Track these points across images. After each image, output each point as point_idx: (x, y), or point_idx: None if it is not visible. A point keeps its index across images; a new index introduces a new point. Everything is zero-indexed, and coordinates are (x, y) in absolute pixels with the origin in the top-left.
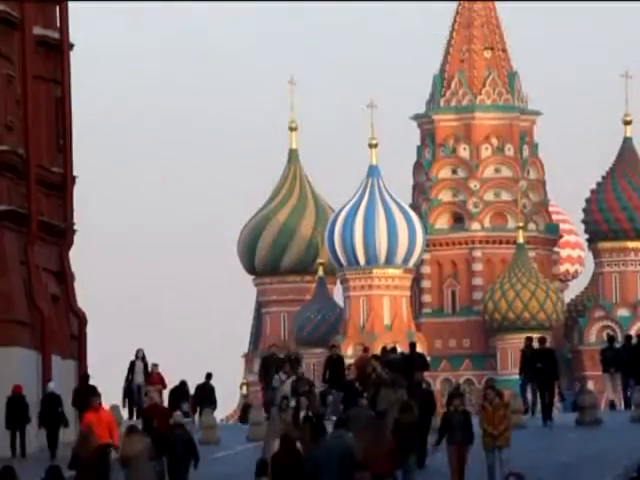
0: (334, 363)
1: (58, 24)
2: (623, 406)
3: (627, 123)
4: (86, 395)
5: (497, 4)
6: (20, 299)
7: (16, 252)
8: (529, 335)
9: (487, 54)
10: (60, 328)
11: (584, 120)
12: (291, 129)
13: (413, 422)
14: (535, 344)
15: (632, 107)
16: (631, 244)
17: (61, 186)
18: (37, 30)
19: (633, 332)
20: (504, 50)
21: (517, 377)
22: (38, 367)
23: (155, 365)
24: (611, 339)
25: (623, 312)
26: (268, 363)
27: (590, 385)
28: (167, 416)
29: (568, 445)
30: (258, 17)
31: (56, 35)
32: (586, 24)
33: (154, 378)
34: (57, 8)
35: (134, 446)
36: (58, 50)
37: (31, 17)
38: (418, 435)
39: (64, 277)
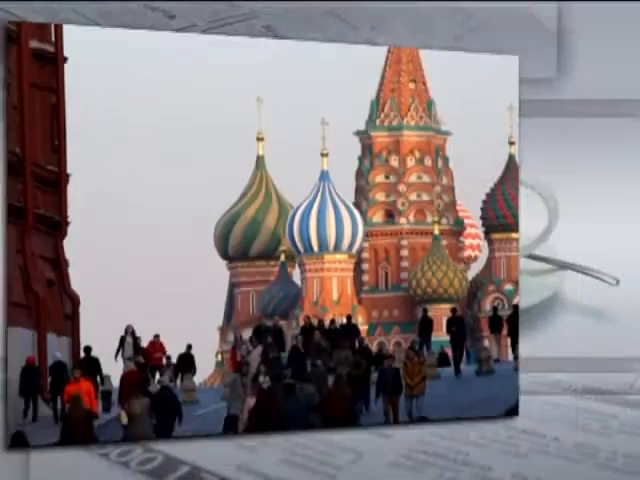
0: (307, 332)
1: (53, 39)
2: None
3: (511, 143)
4: (87, 365)
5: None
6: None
7: (13, 241)
8: (425, 307)
9: (412, 85)
10: (55, 309)
11: (479, 139)
12: (258, 139)
13: (361, 376)
14: (448, 313)
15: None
16: (514, 235)
17: (55, 183)
18: (33, 44)
19: (515, 302)
20: (424, 83)
21: (434, 338)
22: (34, 344)
23: (157, 336)
24: (494, 309)
25: (508, 286)
26: (258, 333)
27: (486, 343)
28: (139, 383)
29: (469, 390)
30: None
31: (51, 49)
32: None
33: (156, 347)
34: (52, 24)
35: (136, 406)
36: (53, 63)
37: (28, 32)
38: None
39: (58, 263)
